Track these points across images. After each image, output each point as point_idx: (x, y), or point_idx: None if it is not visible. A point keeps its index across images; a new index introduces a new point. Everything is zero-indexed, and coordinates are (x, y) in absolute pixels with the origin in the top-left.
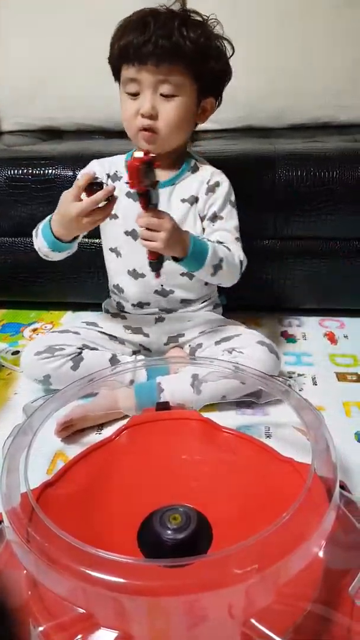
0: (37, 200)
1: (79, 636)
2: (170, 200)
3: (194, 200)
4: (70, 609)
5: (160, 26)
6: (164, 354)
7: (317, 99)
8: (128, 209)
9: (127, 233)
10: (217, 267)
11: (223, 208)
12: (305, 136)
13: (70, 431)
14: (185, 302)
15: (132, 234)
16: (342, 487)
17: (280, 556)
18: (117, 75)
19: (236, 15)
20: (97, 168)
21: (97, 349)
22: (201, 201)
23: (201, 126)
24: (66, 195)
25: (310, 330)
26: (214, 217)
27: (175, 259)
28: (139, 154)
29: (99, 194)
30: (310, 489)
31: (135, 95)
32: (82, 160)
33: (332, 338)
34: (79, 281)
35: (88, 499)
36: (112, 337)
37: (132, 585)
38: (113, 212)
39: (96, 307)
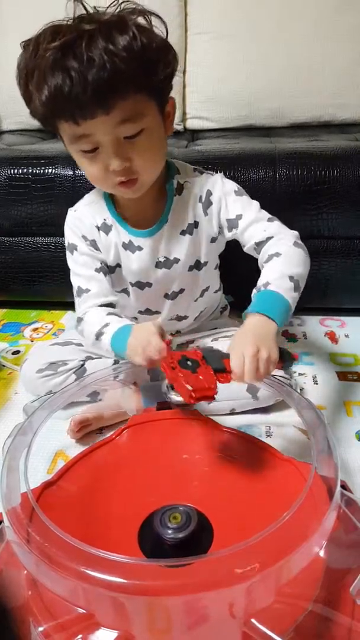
0: (37, 200)
1: (79, 636)
2: (170, 237)
3: (194, 226)
4: (70, 609)
5: (87, 60)
6: None
7: (317, 98)
8: (129, 261)
9: (132, 284)
10: (296, 288)
11: (233, 207)
12: (306, 135)
13: (85, 431)
14: (198, 315)
15: (137, 284)
16: (343, 486)
17: (281, 556)
18: (48, 125)
19: (238, 14)
20: (87, 222)
21: (99, 358)
22: (204, 223)
23: (201, 125)
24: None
25: (311, 329)
26: (234, 223)
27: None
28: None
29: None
30: (311, 488)
31: (92, 151)
32: None
33: (333, 337)
34: None
35: (88, 498)
36: None
37: (133, 585)
38: (115, 264)
39: None
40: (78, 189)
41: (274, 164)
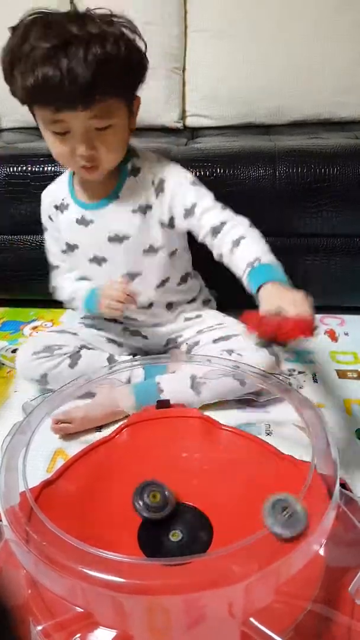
0: (37, 198)
1: (78, 635)
2: (119, 213)
3: (146, 208)
4: (69, 608)
5: (78, 60)
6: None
7: (317, 96)
8: (84, 236)
9: (90, 260)
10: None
11: (189, 195)
12: (306, 133)
13: (67, 431)
14: (170, 306)
15: (95, 260)
16: (343, 485)
17: (281, 555)
18: (22, 102)
19: (238, 14)
20: (47, 202)
21: (94, 349)
22: (156, 207)
23: (201, 123)
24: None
25: None
26: (190, 210)
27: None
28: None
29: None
30: (311, 486)
31: (64, 134)
32: None
33: (332, 335)
34: None
35: (88, 497)
36: (110, 340)
37: (131, 584)
38: (72, 243)
39: None
40: None
41: (274, 162)
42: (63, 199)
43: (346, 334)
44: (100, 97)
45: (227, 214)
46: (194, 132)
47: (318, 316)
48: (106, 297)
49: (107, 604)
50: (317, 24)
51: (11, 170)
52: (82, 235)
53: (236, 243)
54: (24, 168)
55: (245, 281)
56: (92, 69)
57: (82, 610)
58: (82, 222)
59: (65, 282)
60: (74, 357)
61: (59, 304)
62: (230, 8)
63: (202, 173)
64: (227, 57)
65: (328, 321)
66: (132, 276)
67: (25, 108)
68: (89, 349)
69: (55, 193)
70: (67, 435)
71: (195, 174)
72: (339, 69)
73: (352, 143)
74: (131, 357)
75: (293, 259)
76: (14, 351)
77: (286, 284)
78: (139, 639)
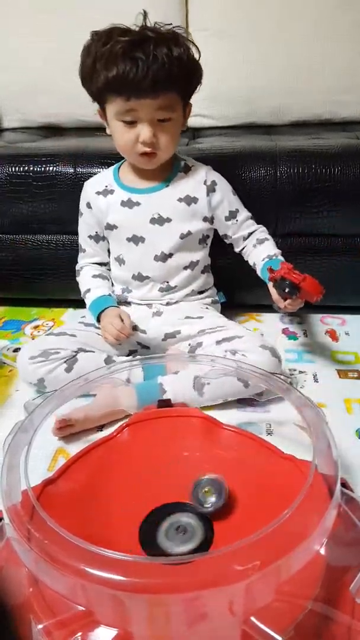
0: (38, 198)
1: (79, 634)
2: (166, 199)
3: (192, 200)
4: (71, 606)
5: (152, 58)
6: (162, 352)
7: (318, 96)
8: (126, 217)
9: (128, 239)
10: None
11: (233, 202)
12: (307, 133)
13: (69, 432)
14: (188, 296)
15: (133, 239)
16: (343, 484)
17: (282, 554)
18: (97, 98)
19: (238, 14)
20: (90, 189)
21: (92, 352)
22: (202, 202)
23: (202, 123)
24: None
25: (311, 327)
26: (233, 214)
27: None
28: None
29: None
30: (312, 486)
31: (132, 123)
32: (83, 158)
33: (333, 335)
34: None
35: (89, 496)
36: None
37: (132, 582)
38: (113, 223)
39: None
40: (79, 186)
41: (275, 162)
42: (107, 185)
43: (347, 333)
44: (164, 90)
45: (256, 224)
46: (195, 132)
47: (319, 315)
48: (105, 327)
49: (108, 602)
50: (317, 24)
51: (13, 170)
52: (125, 215)
53: (260, 241)
54: (26, 168)
55: (261, 265)
56: (163, 65)
57: (83, 608)
58: (128, 203)
59: (86, 275)
60: (70, 362)
61: (59, 303)
62: (230, 8)
63: None
64: (227, 56)
65: (329, 321)
66: (164, 257)
67: (26, 108)
68: (87, 351)
69: (98, 181)
70: (68, 435)
71: None
72: (339, 69)
73: (353, 143)
74: (130, 357)
75: (294, 259)
76: (15, 350)
77: None
78: (139, 638)
